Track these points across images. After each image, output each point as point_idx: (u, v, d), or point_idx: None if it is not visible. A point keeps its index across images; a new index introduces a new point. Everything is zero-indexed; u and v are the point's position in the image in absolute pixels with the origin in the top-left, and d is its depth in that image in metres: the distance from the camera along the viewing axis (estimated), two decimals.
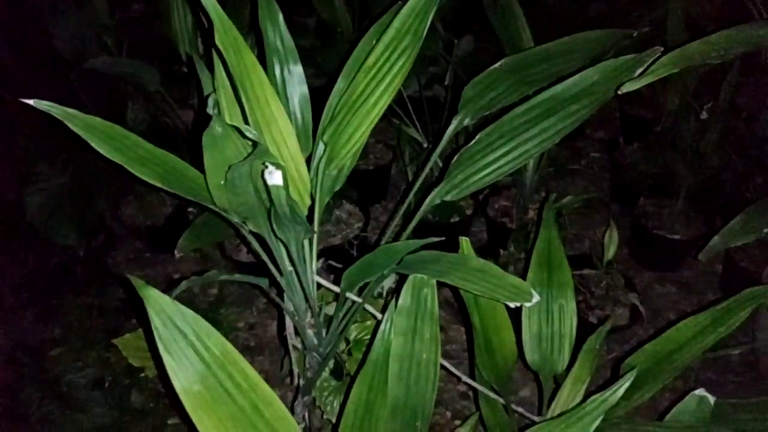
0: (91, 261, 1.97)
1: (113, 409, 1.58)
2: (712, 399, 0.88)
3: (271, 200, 0.74)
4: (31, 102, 0.66)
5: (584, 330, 1.12)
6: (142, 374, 1.53)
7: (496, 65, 1.09)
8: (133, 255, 2.06)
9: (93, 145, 0.72)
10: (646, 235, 1.86)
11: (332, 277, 2.01)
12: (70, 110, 0.70)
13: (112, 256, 2.05)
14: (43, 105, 0.68)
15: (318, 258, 1.96)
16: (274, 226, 0.79)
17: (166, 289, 1.91)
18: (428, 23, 0.88)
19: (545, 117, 1.00)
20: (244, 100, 0.74)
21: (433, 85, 2.34)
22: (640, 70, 0.95)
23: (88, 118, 0.73)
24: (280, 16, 0.97)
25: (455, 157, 1.04)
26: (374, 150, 2.31)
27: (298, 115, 0.99)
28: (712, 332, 0.91)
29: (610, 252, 1.59)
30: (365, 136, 0.92)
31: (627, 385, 0.72)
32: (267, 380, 1.53)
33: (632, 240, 1.93)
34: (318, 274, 1.97)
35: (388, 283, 1.70)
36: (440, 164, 1.71)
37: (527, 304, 0.74)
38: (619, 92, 0.86)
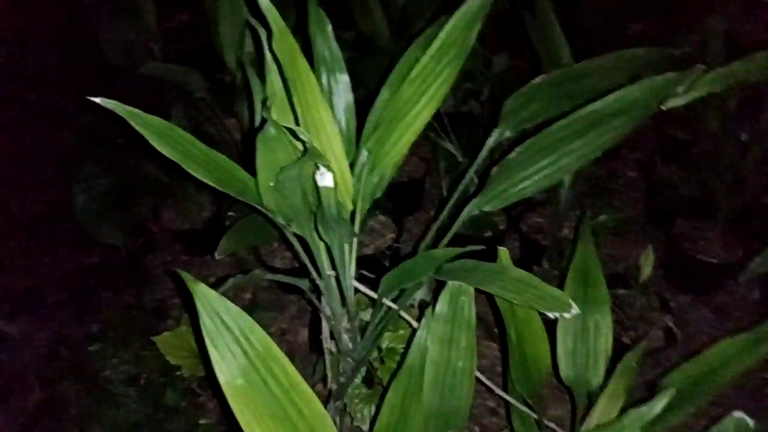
0: (130, 261, 2.03)
1: (147, 406, 1.62)
2: (751, 422, 0.87)
3: (319, 202, 0.76)
4: (98, 100, 0.70)
5: (618, 351, 1.11)
6: (177, 373, 1.56)
7: (537, 79, 1.11)
8: (171, 257, 2.11)
9: (152, 143, 0.76)
10: (682, 258, 1.84)
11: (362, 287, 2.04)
12: (133, 109, 0.74)
13: (151, 257, 2.10)
14: (109, 104, 0.72)
15: None
16: (320, 227, 0.81)
17: None
18: (474, 36, 0.90)
19: (586, 131, 1.01)
20: (296, 103, 0.77)
21: (469, 101, 2.37)
22: (682, 87, 0.96)
23: (149, 117, 0.76)
24: (329, 27, 1.00)
25: (495, 168, 1.05)
26: (408, 162, 2.33)
27: (343, 123, 1.01)
28: (753, 353, 0.90)
29: (646, 273, 1.58)
30: (408, 145, 0.94)
31: (665, 401, 0.72)
32: None
33: (668, 262, 1.91)
34: None
35: (420, 294, 1.71)
36: (476, 180, 1.72)
37: (567, 315, 0.75)
38: (663, 108, 0.87)
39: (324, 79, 1.00)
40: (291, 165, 0.72)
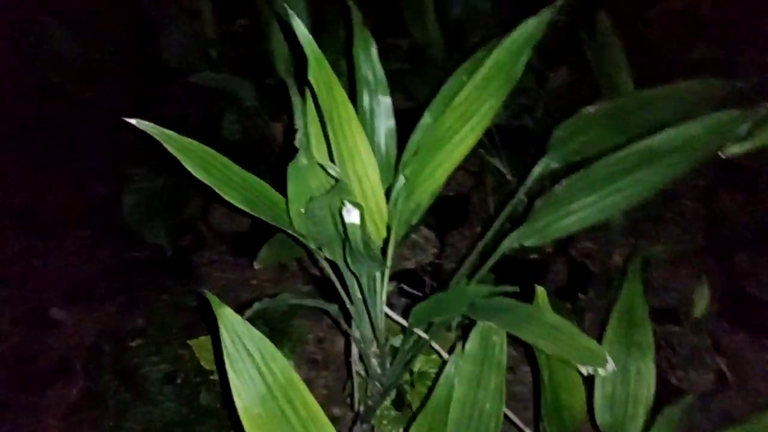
0: (177, 260, 2.07)
1: (182, 406, 1.64)
2: None
3: (346, 234, 0.75)
4: (133, 122, 0.70)
5: (664, 391, 1.05)
6: (212, 376, 1.58)
7: (590, 108, 1.06)
8: (217, 257, 2.13)
9: (185, 165, 0.76)
10: (740, 294, 1.73)
11: (403, 300, 2.01)
12: (167, 132, 0.74)
13: (198, 256, 2.13)
14: (144, 125, 0.72)
15: (390, 281, 1.96)
16: (348, 259, 0.80)
17: (243, 294, 1.93)
18: (523, 65, 0.86)
19: (639, 169, 0.96)
20: (330, 133, 0.75)
21: (522, 115, 2.30)
22: (746, 128, 0.89)
23: (184, 140, 0.76)
24: (374, 48, 0.98)
25: (538, 201, 1.01)
26: (455, 175, 2.27)
27: (383, 147, 0.99)
28: None
29: (699, 309, 1.50)
30: (447, 174, 0.91)
31: None
32: (329, 397, 1.54)
33: (725, 298, 1.80)
34: (389, 297, 1.97)
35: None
36: (525, 199, 1.67)
37: (601, 371, 0.71)
38: (722, 155, 0.81)
39: (365, 101, 0.98)
40: (320, 197, 0.71)
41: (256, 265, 1.28)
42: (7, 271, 2.23)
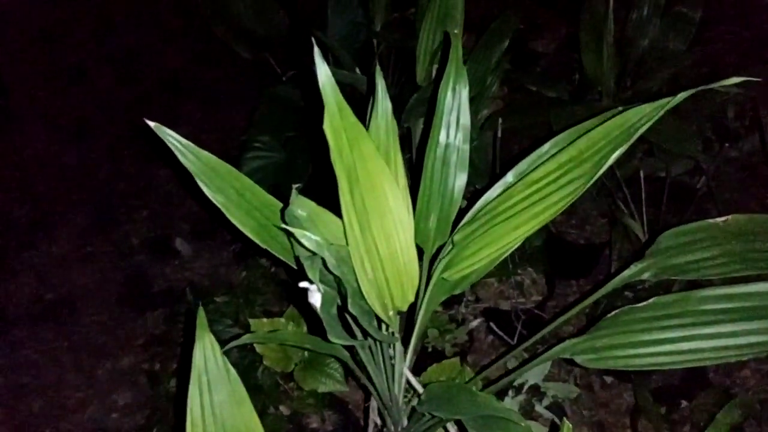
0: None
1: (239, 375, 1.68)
2: None
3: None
4: (152, 125, 0.67)
5: None
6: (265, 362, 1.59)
7: (719, 220, 0.83)
8: None
9: (197, 181, 0.72)
10: None
11: (489, 338, 1.86)
12: (184, 141, 0.70)
13: None
14: (163, 133, 0.68)
15: (478, 317, 1.82)
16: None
17: None
18: (617, 155, 0.69)
19: (747, 318, 0.73)
20: (345, 185, 0.65)
21: (695, 174, 1.99)
22: None
23: (202, 153, 0.72)
24: (466, 90, 0.85)
25: (610, 315, 0.83)
26: (594, 222, 2.04)
27: (446, 201, 0.87)
28: None
29: None
30: (491, 259, 0.77)
31: None
32: None
33: None
34: (474, 331, 1.83)
35: (533, 378, 1.52)
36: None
37: None
38: None
39: (440, 149, 0.86)
40: (307, 256, 0.62)
41: None
42: (150, 195, 2.46)
